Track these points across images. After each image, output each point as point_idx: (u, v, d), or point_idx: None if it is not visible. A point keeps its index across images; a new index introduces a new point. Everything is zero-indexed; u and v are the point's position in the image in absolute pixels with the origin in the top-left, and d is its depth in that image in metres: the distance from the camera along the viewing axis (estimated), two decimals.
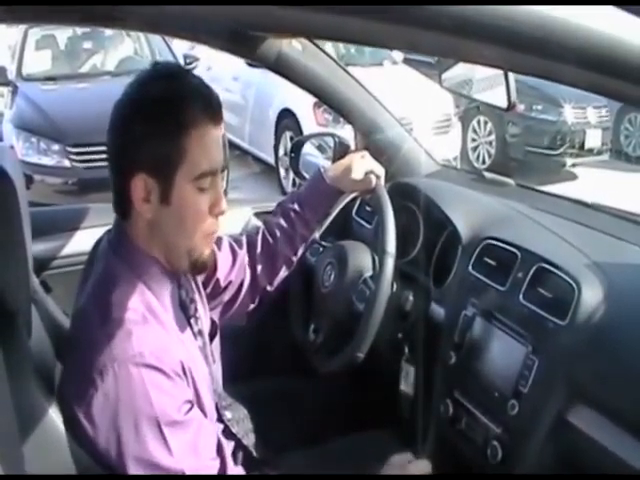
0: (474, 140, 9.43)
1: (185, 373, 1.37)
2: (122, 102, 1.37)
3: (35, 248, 2.09)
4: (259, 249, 1.89)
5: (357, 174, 1.86)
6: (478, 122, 9.38)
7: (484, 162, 9.09)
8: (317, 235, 2.02)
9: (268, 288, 1.92)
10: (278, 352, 2.17)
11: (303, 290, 2.10)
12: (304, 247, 1.95)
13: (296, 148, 2.26)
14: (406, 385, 1.95)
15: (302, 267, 2.11)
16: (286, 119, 7.69)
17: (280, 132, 7.80)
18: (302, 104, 7.29)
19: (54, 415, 1.32)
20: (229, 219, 2.17)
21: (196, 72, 1.56)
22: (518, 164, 8.65)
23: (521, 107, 9.01)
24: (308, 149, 2.25)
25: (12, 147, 5.79)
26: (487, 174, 2.43)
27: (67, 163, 6.07)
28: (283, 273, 1.93)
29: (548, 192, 2.52)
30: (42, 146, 6.12)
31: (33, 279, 1.71)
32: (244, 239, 1.91)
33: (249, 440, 1.72)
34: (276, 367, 2.10)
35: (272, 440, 1.79)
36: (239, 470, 1.45)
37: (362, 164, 1.87)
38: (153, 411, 1.29)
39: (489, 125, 9.27)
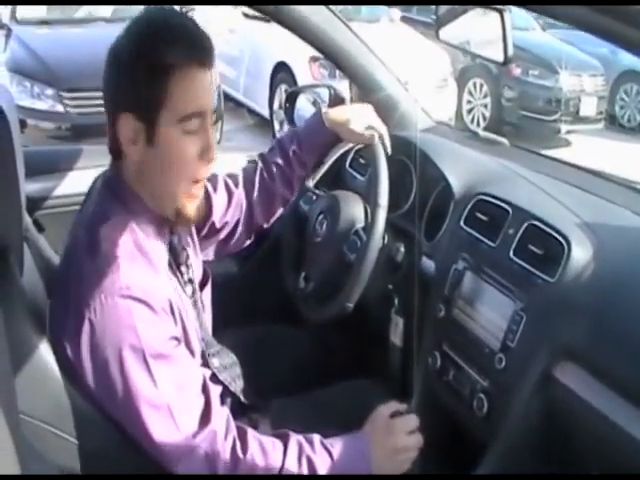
0: (469, 102, 9.40)
1: (173, 312, 1.39)
2: (113, 45, 1.38)
3: (29, 187, 2.10)
4: (257, 188, 1.89)
5: (357, 126, 1.84)
6: (474, 84, 9.35)
7: (478, 124, 9.05)
8: (311, 184, 2.02)
9: (264, 226, 1.94)
10: (269, 300, 2.17)
11: (295, 238, 2.10)
12: (299, 187, 1.95)
13: (291, 99, 2.23)
14: (395, 336, 1.97)
15: (295, 215, 2.12)
16: (281, 72, 7.65)
17: (275, 85, 7.75)
18: (298, 58, 7.24)
19: (45, 352, 1.33)
20: (222, 165, 2.17)
21: None
22: (512, 128, 8.64)
23: (517, 71, 8.99)
24: (303, 104, 2.21)
25: None
26: (482, 132, 2.43)
27: (60, 108, 6.00)
28: (279, 212, 1.94)
29: (542, 153, 2.52)
30: (36, 90, 6.04)
31: (26, 218, 1.72)
32: (240, 176, 1.90)
33: (237, 386, 1.73)
34: (266, 315, 2.11)
35: (260, 387, 1.80)
36: (224, 410, 1.47)
37: (364, 117, 1.86)
38: (139, 341, 1.31)
39: (485, 88, 9.24)
